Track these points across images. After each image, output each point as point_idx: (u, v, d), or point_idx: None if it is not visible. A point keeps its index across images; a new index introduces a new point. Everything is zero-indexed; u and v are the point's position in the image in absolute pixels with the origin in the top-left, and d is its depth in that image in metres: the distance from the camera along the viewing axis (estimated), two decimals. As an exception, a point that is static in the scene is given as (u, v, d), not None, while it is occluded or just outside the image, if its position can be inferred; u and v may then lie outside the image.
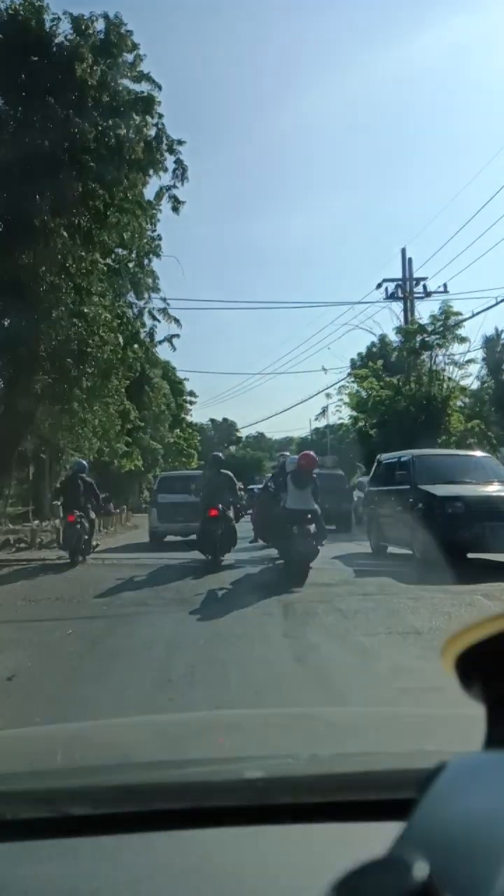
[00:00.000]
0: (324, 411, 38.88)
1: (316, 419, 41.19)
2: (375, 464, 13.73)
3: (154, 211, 19.96)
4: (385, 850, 0.52)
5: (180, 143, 17.20)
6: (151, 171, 16.88)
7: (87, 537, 11.03)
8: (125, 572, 9.74)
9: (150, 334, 19.66)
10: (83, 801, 0.93)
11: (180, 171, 17.00)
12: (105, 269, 17.45)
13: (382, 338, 27.92)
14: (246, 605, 7.12)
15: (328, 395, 28.95)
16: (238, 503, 11.88)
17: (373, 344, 30.17)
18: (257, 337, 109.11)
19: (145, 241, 19.37)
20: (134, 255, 19.12)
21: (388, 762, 1.09)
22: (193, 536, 12.61)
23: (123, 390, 19.64)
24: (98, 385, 16.03)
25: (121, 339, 18.10)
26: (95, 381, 15.72)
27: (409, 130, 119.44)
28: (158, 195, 18.97)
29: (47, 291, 13.89)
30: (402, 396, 20.96)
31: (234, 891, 0.77)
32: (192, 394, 47.00)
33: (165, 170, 17.08)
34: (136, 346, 19.95)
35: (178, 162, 16.91)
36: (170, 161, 16.83)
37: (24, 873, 0.82)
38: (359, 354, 31.88)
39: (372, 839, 0.63)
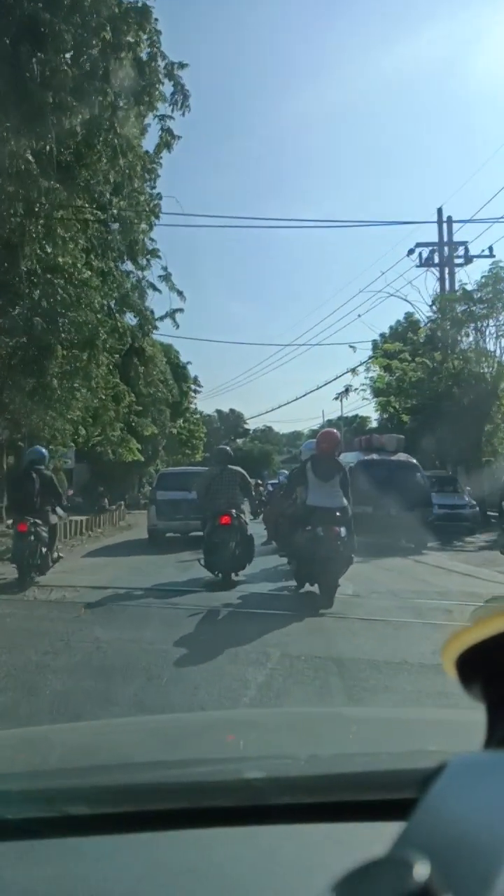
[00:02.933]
0: (346, 391, 34.63)
1: (336, 398, 37.01)
2: None
3: (153, 165, 17.23)
4: (385, 850, 0.52)
5: (182, 65, 14.27)
6: (147, 99, 13.99)
7: (44, 550, 8.15)
8: (79, 615, 6.53)
9: (140, 290, 16.47)
10: (83, 801, 0.93)
11: (180, 98, 14.01)
12: (93, 220, 14.61)
13: (409, 315, 24.91)
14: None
15: (354, 372, 24.99)
16: (256, 499, 9.51)
17: (398, 323, 27.17)
18: (269, 321, 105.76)
19: (143, 197, 16.58)
20: (127, 207, 16.08)
21: (388, 762, 1.09)
22: (193, 534, 11.88)
23: (115, 367, 16.81)
24: (79, 357, 13.24)
25: (111, 304, 15.23)
26: (74, 351, 12.89)
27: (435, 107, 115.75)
28: (159, 147, 16.21)
29: (9, 233, 10.97)
30: (441, 376, 17.84)
31: (233, 891, 0.78)
32: (195, 381, 44.08)
33: (163, 98, 14.18)
34: (128, 312, 16.86)
35: (178, 86, 13.93)
36: (168, 88, 13.98)
37: (24, 873, 0.81)
38: (381, 335, 28.83)
39: (372, 839, 0.62)
